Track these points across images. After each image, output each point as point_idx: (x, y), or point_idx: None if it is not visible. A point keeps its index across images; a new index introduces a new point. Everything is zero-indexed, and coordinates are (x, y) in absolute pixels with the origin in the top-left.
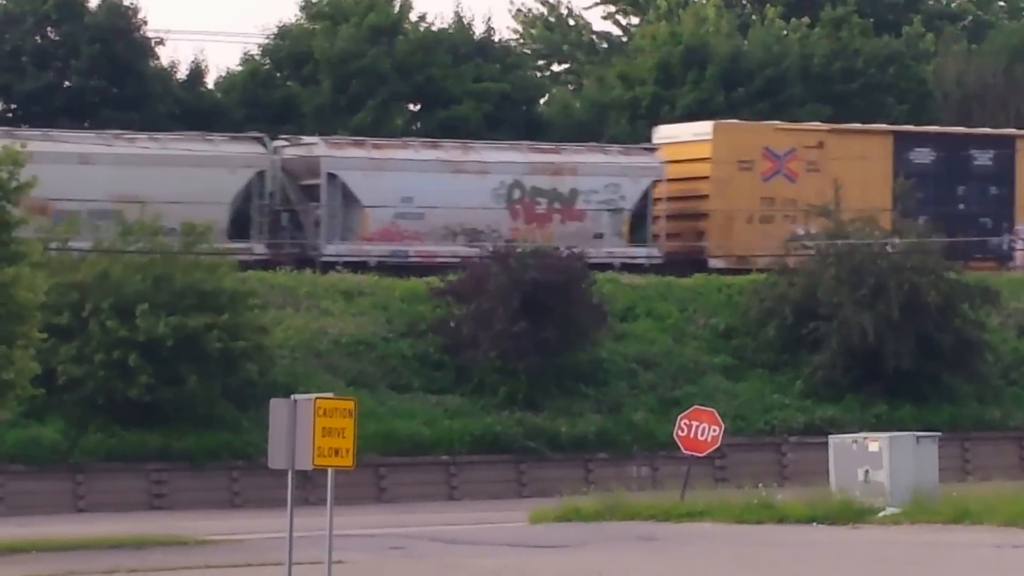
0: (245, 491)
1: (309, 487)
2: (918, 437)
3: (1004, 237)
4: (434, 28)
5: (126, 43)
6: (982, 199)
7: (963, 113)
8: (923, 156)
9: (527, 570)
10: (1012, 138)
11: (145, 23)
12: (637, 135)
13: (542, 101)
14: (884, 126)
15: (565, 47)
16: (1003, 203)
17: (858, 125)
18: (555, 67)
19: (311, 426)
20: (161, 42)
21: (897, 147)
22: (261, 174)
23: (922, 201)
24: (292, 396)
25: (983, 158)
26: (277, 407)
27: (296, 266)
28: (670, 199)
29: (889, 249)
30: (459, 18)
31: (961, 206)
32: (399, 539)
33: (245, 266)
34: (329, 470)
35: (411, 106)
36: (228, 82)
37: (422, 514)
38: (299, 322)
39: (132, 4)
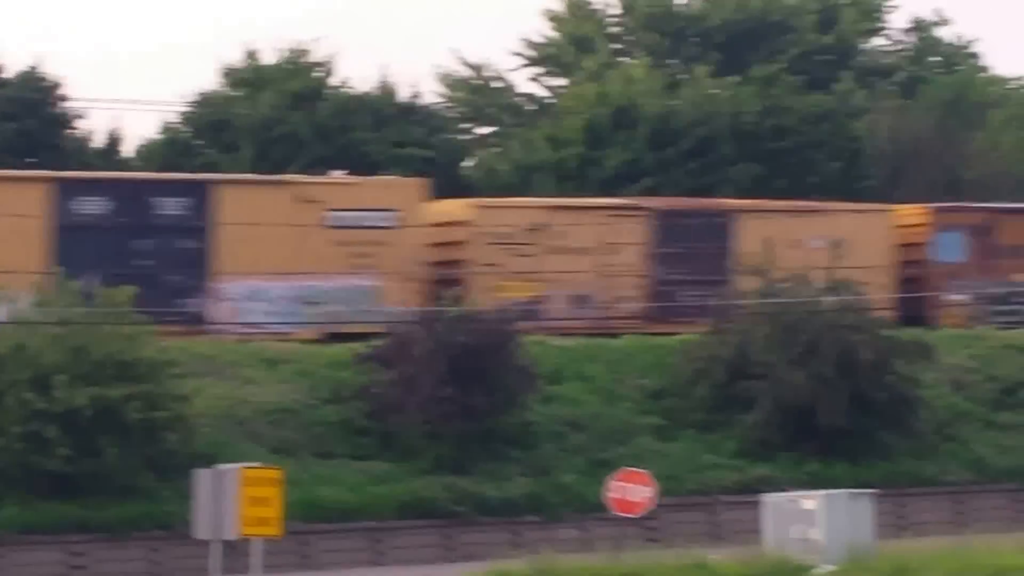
0: (166, 562)
1: (233, 556)
2: (853, 494)
3: (199, 298)
4: (357, 92)
5: (42, 117)
6: (169, 254)
7: (897, 169)
8: (93, 206)
9: None
10: (204, 184)
11: (63, 98)
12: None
13: (466, 164)
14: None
15: (490, 109)
16: (197, 258)
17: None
18: (480, 129)
19: (237, 495)
20: (80, 116)
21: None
22: None
23: (92, 257)
24: (217, 466)
25: (171, 207)
26: (202, 477)
27: None
28: None
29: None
30: (383, 82)
31: (143, 262)
32: None
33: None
34: (256, 539)
35: (334, 171)
36: (147, 150)
37: None
38: (221, 390)
39: (49, 77)
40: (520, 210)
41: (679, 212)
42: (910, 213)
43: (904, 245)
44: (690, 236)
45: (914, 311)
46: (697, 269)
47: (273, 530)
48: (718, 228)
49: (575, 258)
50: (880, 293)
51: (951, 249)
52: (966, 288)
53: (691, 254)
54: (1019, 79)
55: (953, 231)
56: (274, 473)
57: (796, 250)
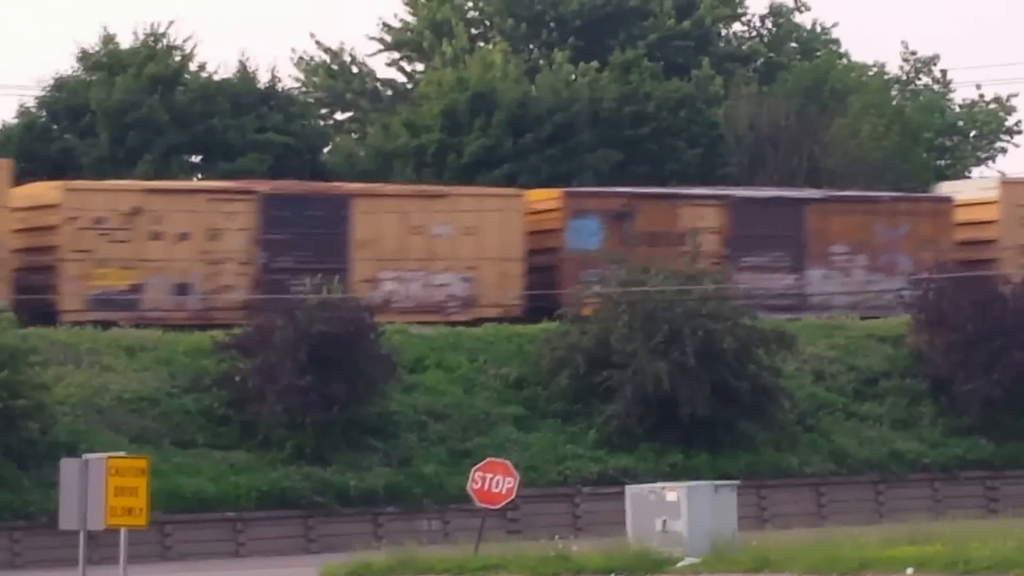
0: (26, 552)
1: (93, 546)
2: (716, 486)
3: None
4: (216, 78)
5: None
6: None
7: (756, 156)
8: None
9: None
10: None
11: None
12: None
13: (326, 150)
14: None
15: (349, 95)
16: None
17: None
18: (339, 115)
19: (103, 486)
20: None
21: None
22: None
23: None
24: (84, 455)
25: None
26: (68, 467)
27: None
28: None
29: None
30: (242, 67)
31: None
32: None
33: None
34: (122, 529)
35: (192, 158)
36: (4, 135)
37: (209, 572)
38: (81, 379)
39: None
40: (113, 193)
41: (289, 196)
42: (543, 198)
43: (537, 232)
44: (302, 222)
45: (546, 302)
46: (309, 256)
47: (139, 520)
48: (333, 213)
49: (175, 244)
50: (510, 282)
51: (585, 236)
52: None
53: (303, 240)
54: (876, 66)
55: (588, 217)
56: (141, 463)
57: (419, 236)
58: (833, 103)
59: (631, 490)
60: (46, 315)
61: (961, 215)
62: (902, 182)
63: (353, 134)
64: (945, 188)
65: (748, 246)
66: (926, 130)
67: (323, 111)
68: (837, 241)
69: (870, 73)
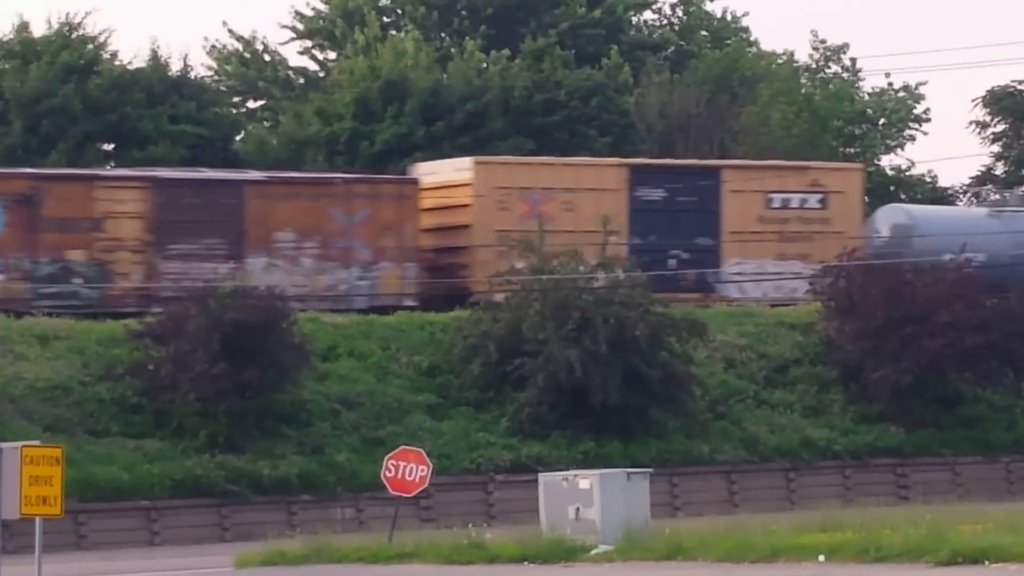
0: None
1: (8, 535)
2: (629, 474)
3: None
4: (129, 67)
5: None
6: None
7: (666, 144)
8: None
9: None
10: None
11: None
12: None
13: (238, 138)
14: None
15: (261, 83)
16: None
17: None
18: (251, 104)
19: (18, 474)
20: None
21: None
22: None
23: None
24: None
25: None
26: None
27: None
28: None
29: (595, 283)
30: (155, 55)
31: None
32: None
33: None
34: (37, 519)
35: (106, 146)
36: None
37: (123, 561)
38: None
39: None
40: None
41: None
42: None
43: None
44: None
45: None
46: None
47: (54, 510)
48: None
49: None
50: None
51: None
52: (5, 266)
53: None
54: (785, 54)
55: None
56: (55, 451)
57: None
58: (743, 91)
59: (544, 478)
60: None
61: (432, 199)
62: None
63: (265, 122)
64: (421, 169)
65: (177, 232)
66: (835, 118)
67: (236, 99)
68: (283, 227)
69: (779, 61)
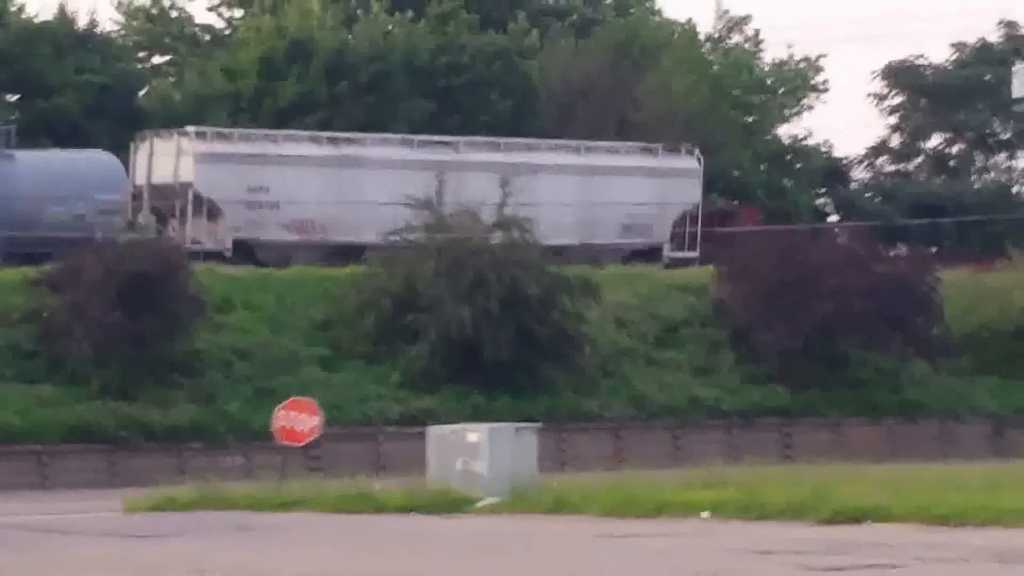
0: None
1: None
2: (517, 428)
3: None
4: (36, 19)
5: None
6: None
7: (566, 109)
8: None
9: (126, 559)
10: None
11: None
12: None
13: (142, 93)
14: None
15: (167, 39)
16: None
17: None
18: (157, 59)
19: None
20: None
21: None
22: None
23: None
24: None
25: None
26: None
27: None
28: None
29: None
30: (62, 9)
31: None
32: None
33: None
34: None
35: (10, 97)
36: None
37: (13, 503)
38: None
39: None
40: None
41: None
42: None
43: None
44: None
45: None
46: None
47: None
48: None
49: None
50: None
51: None
52: None
53: None
54: (686, 24)
55: None
56: None
57: None
58: (644, 59)
59: (433, 431)
60: None
61: None
62: (710, 138)
63: (170, 78)
64: None
65: None
66: (734, 87)
67: (141, 55)
68: None
69: (680, 29)
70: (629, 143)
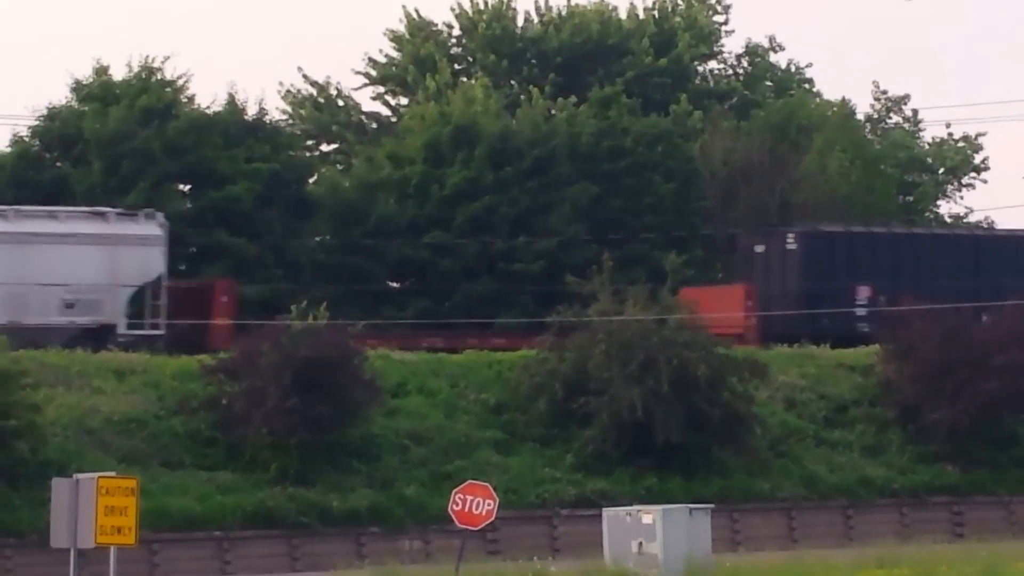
0: (17, 569)
1: (83, 564)
2: (691, 509)
3: None
4: (207, 110)
5: None
6: None
7: (729, 191)
8: None
9: None
10: None
11: None
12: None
13: (311, 180)
14: None
15: (334, 127)
16: None
17: None
18: (325, 147)
19: (93, 505)
20: None
21: None
22: None
23: None
24: (74, 475)
25: None
26: (59, 486)
27: None
28: None
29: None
30: (232, 99)
31: None
32: None
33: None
34: (112, 548)
35: (183, 186)
36: None
37: None
38: (71, 400)
39: None
40: None
41: None
42: None
43: None
44: None
45: None
46: None
47: (128, 539)
48: None
49: None
50: None
51: None
52: None
53: None
54: (841, 103)
55: None
56: (131, 483)
57: None
58: (802, 140)
59: (608, 512)
60: None
61: None
62: (869, 216)
63: (338, 165)
64: None
65: None
66: (890, 163)
67: (309, 143)
68: None
69: (834, 109)
70: (71, 208)
